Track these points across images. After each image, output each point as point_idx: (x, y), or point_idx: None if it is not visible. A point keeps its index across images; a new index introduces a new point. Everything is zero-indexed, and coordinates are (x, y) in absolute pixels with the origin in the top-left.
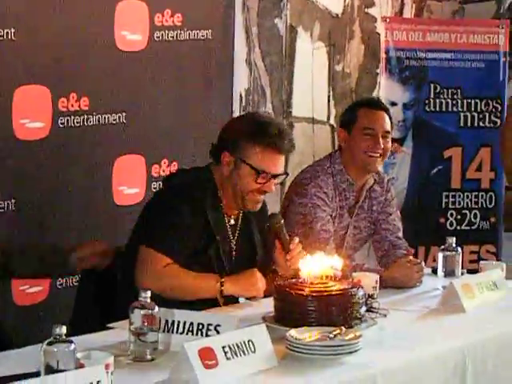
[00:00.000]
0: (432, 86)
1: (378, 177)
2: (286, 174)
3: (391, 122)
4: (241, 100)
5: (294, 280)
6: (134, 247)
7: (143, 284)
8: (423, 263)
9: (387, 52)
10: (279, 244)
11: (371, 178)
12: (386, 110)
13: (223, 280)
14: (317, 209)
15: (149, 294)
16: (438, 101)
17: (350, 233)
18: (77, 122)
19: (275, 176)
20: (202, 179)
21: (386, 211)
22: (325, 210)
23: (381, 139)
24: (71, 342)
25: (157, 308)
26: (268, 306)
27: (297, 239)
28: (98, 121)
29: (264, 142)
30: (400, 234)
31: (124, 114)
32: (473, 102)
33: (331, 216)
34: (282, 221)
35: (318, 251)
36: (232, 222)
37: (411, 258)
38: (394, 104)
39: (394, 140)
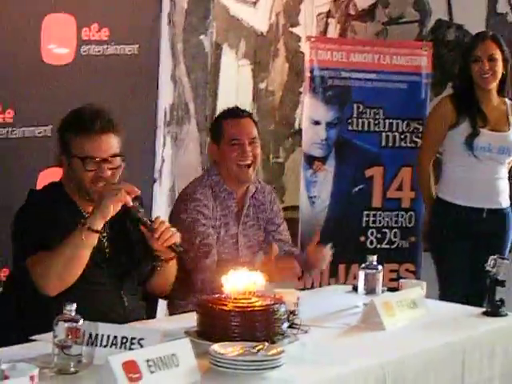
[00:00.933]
0: (355, 105)
1: (259, 184)
2: (119, 155)
3: (257, 126)
4: (165, 115)
5: (217, 295)
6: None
7: (47, 289)
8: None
9: (311, 71)
10: (144, 228)
11: (252, 186)
12: (250, 115)
13: (84, 220)
14: (196, 223)
15: (74, 306)
16: (360, 120)
17: (240, 242)
18: (0, 135)
19: (104, 160)
20: (50, 191)
21: (275, 222)
22: (204, 224)
23: (248, 147)
24: None
25: (81, 321)
26: (191, 320)
27: (161, 217)
28: (23, 133)
29: (78, 128)
30: (291, 243)
31: (50, 126)
32: (394, 122)
33: (214, 227)
34: (136, 203)
35: (200, 265)
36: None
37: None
38: (317, 123)
39: (316, 159)
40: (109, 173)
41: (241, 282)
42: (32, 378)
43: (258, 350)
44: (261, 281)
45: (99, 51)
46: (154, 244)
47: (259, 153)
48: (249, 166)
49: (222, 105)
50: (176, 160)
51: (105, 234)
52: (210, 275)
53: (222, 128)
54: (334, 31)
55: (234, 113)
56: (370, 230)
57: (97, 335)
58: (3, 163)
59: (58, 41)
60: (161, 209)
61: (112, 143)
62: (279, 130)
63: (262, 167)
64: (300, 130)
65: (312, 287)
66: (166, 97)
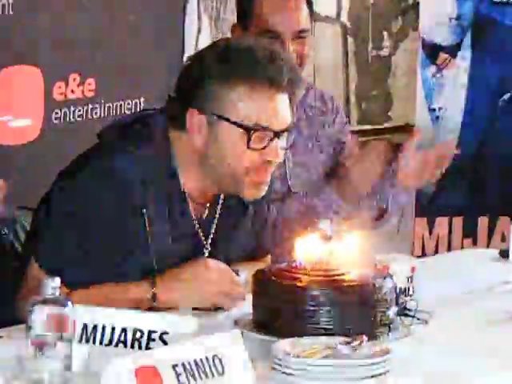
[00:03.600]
0: None
1: (311, 89)
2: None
3: (311, 8)
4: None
5: (284, 264)
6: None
7: None
8: None
9: None
10: None
11: None
12: None
13: (154, 290)
14: None
15: (58, 281)
16: None
17: (290, 174)
18: None
19: (278, 133)
20: (146, 154)
21: (340, 140)
22: None
23: (290, 44)
24: None
25: (70, 304)
26: (243, 304)
27: None
28: None
29: (251, 75)
30: None
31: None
32: None
33: None
34: None
35: None
36: (205, 213)
37: None
38: None
39: (442, 48)
40: (282, 155)
41: (321, 244)
42: None
43: (353, 349)
44: (357, 244)
45: None
46: None
47: (306, 52)
48: None
49: None
50: None
51: (211, 236)
52: None
53: (250, 7)
54: None
55: None
56: None
57: (95, 327)
58: None
59: None
60: None
61: (289, 107)
62: (382, 2)
63: (354, 64)
64: (416, 4)
65: (436, 252)
66: None
